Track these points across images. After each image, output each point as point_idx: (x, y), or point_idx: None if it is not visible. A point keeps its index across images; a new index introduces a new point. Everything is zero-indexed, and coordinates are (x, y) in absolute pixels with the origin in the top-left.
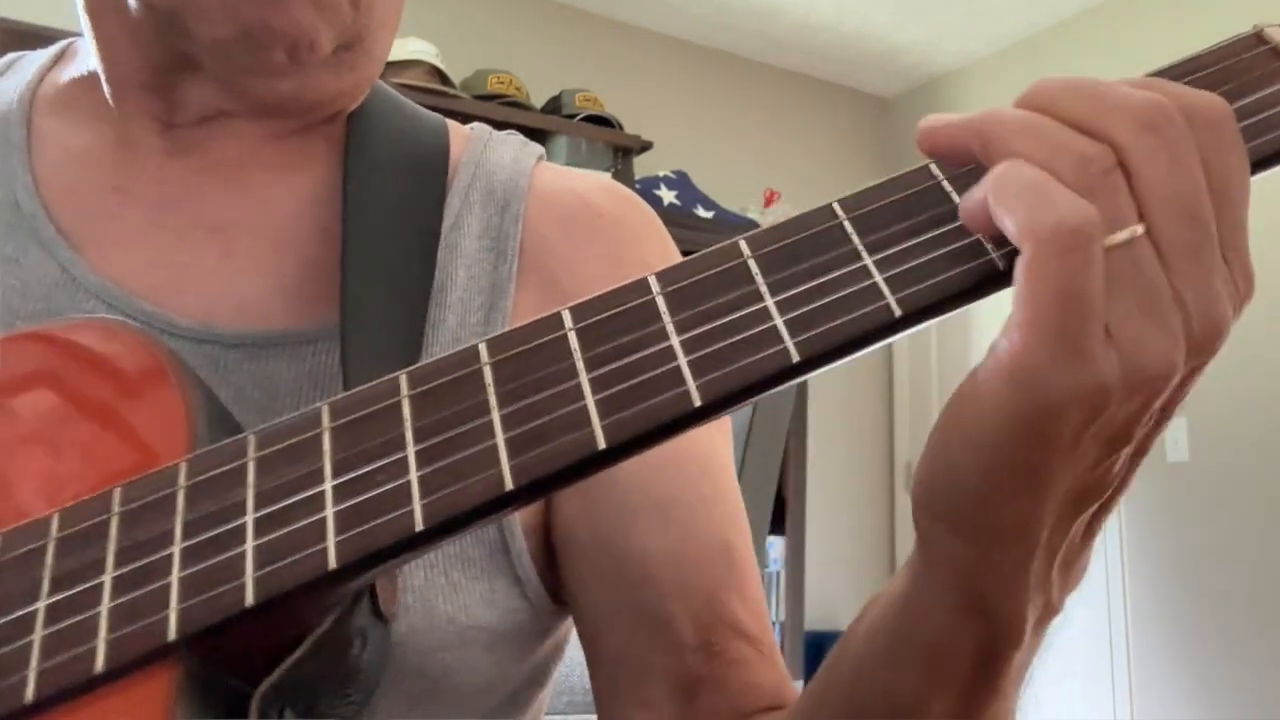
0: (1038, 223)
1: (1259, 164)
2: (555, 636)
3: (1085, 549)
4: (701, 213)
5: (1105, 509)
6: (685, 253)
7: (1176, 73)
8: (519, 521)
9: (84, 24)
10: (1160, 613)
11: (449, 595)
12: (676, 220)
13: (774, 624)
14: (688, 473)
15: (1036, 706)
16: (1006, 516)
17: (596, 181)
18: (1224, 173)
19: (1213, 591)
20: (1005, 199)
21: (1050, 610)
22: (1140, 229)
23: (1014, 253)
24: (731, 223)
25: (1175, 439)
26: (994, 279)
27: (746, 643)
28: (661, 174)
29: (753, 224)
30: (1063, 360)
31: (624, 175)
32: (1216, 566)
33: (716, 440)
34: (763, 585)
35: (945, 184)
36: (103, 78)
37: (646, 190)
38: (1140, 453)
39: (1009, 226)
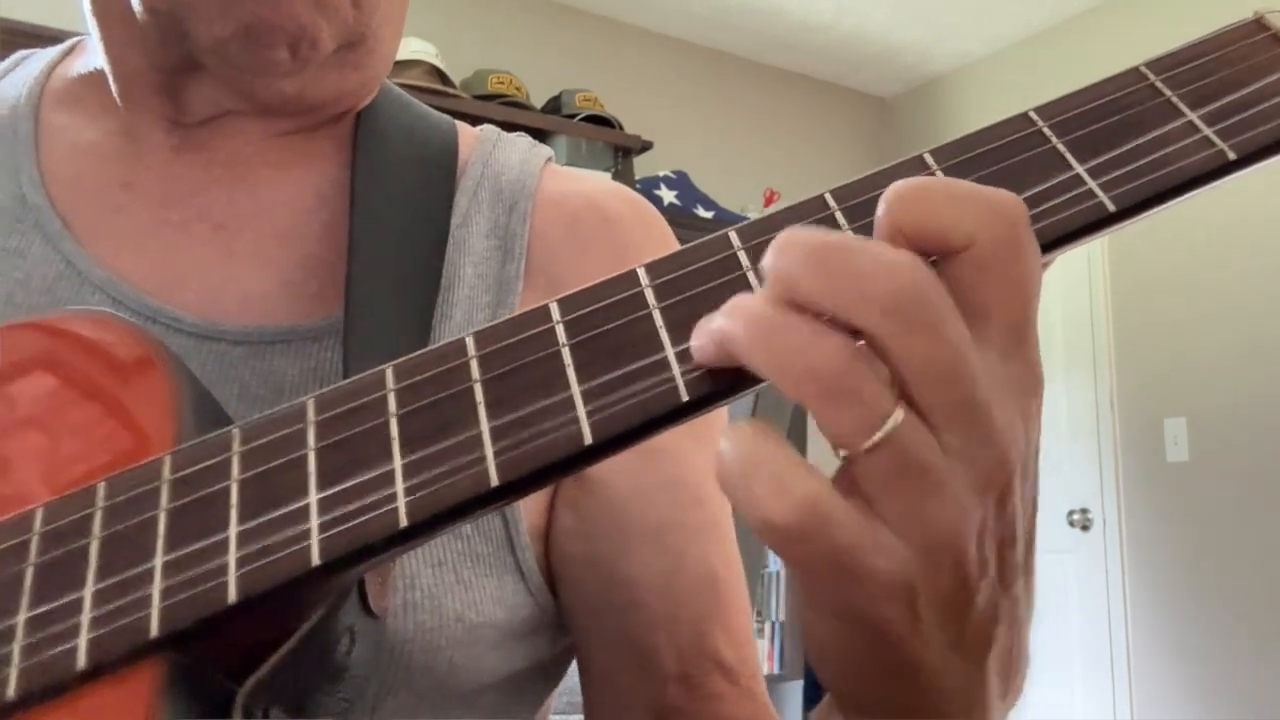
0: (767, 514)
1: (1261, 153)
2: (564, 636)
3: (1018, 656)
4: (701, 212)
5: (1016, 623)
6: None
7: (1177, 60)
8: (525, 520)
9: (91, 26)
10: (1160, 612)
11: (458, 593)
12: (676, 220)
13: (774, 624)
14: (681, 501)
15: (1036, 707)
16: (909, 700)
17: (604, 184)
18: (984, 301)
19: (1212, 591)
20: (727, 484)
21: None
22: (900, 415)
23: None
24: (731, 222)
25: (1175, 439)
26: None
27: (724, 677)
28: (661, 174)
29: None
30: (848, 583)
31: (624, 175)
32: (1216, 566)
33: (711, 467)
34: (763, 587)
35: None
36: (110, 78)
37: (646, 190)
38: (1006, 581)
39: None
